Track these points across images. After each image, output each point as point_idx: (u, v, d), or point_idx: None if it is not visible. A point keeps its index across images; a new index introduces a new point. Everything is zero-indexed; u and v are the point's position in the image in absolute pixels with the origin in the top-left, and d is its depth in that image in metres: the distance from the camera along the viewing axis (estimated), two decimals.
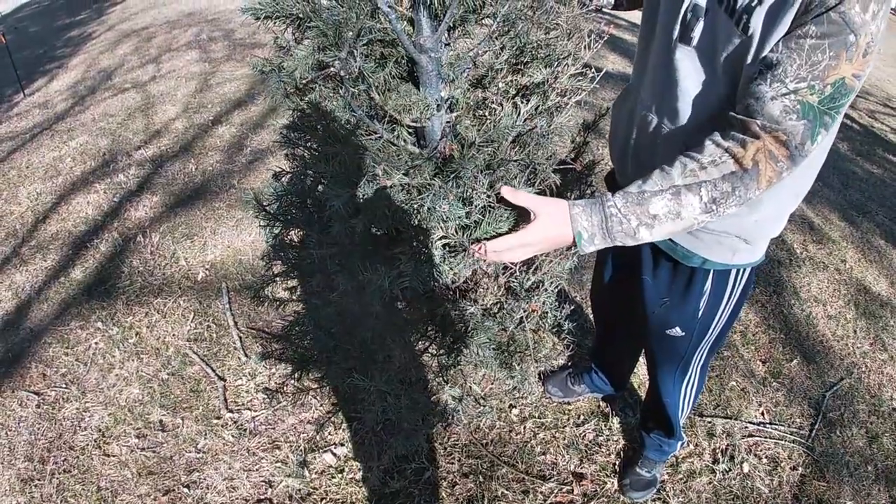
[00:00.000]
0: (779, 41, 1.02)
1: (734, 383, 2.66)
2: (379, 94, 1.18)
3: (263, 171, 4.19)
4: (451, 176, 1.18)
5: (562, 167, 1.36)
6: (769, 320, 3.10)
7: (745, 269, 1.45)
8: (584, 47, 1.26)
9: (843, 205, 4.75)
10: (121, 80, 7.18)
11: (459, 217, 1.18)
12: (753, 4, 1.04)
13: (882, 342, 3.11)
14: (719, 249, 1.37)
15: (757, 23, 1.04)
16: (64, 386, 2.60)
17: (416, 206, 1.20)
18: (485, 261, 1.23)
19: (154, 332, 2.79)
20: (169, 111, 5.69)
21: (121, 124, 5.54)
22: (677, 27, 1.19)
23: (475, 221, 1.19)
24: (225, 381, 2.47)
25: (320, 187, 1.51)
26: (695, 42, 1.17)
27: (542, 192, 1.27)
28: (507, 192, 1.15)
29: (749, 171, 1.04)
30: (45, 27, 13.05)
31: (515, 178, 1.22)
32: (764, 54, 1.04)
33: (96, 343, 2.79)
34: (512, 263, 1.30)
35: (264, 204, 1.67)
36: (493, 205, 1.18)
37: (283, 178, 1.67)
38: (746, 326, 3.02)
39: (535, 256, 1.36)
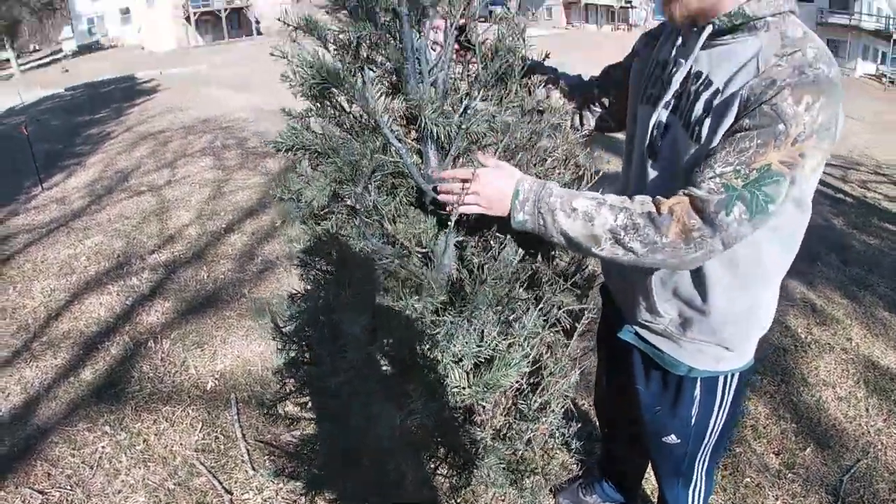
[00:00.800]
0: (721, 139, 1.14)
1: (748, 479, 2.65)
2: (390, 223, 1.35)
3: (274, 282, 4.41)
4: (465, 313, 1.35)
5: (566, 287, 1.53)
6: (779, 410, 3.10)
7: (733, 375, 1.47)
8: (582, 175, 1.45)
9: (844, 281, 4.79)
10: (137, 182, 7.55)
11: (473, 353, 1.34)
12: (703, 116, 1.18)
13: None
14: (703, 357, 1.43)
15: (707, 133, 1.17)
16: (69, 488, 2.66)
17: (428, 340, 1.37)
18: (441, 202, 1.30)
19: (162, 440, 2.88)
20: (183, 217, 5.99)
21: (136, 227, 5.81)
22: (647, 145, 1.33)
23: (487, 358, 1.36)
24: (232, 494, 2.54)
25: (334, 310, 1.68)
26: (660, 155, 1.31)
27: (552, 325, 1.46)
28: (479, 156, 1.28)
29: (663, 215, 1.13)
30: (66, 122, 13.71)
31: (527, 311, 1.40)
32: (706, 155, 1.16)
33: (103, 447, 2.87)
34: (464, 213, 1.31)
35: (280, 325, 1.83)
36: (504, 349, 1.36)
37: (298, 301, 1.81)
38: (756, 419, 3.03)
39: (541, 376, 1.48)
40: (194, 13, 40.14)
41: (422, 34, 1.26)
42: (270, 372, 3.21)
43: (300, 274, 1.64)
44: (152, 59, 31.77)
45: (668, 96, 1.27)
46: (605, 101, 1.60)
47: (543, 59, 1.53)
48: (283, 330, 1.79)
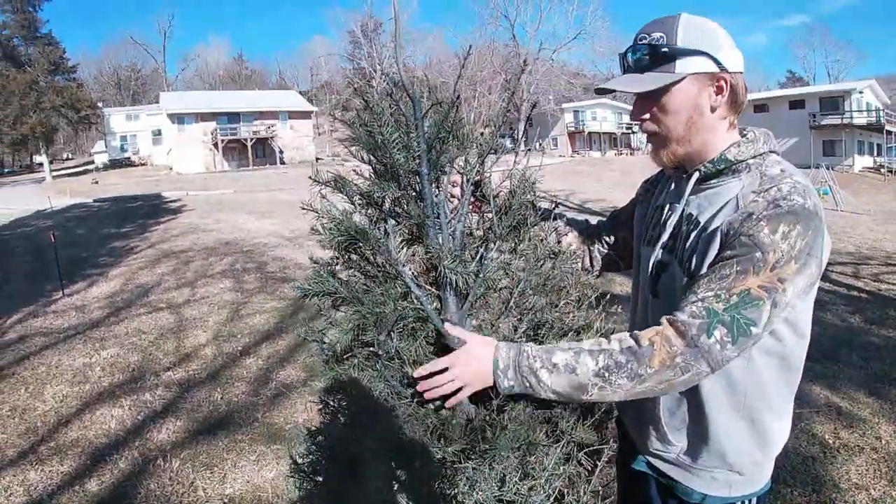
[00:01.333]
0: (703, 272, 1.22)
1: None
2: (411, 367, 1.38)
3: (288, 407, 4.42)
4: (487, 458, 1.44)
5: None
6: None
7: (749, 500, 1.44)
8: (596, 316, 1.50)
9: (867, 379, 4.73)
10: (156, 298, 7.74)
11: (495, 497, 1.41)
12: (692, 252, 1.27)
13: None
14: (715, 484, 1.40)
15: (694, 265, 1.25)
16: None
17: (449, 485, 1.44)
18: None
19: None
20: (200, 336, 6.10)
21: (152, 343, 5.92)
22: (649, 283, 1.41)
23: (509, 502, 1.43)
24: None
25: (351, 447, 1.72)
26: (661, 293, 1.38)
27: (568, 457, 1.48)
28: (448, 327, 1.31)
29: (643, 348, 1.16)
30: (91, 232, 14.19)
31: (547, 453, 1.44)
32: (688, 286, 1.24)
33: None
34: (444, 398, 1.33)
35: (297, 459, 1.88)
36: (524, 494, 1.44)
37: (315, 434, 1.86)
38: None
39: None
40: (222, 140, 42.17)
41: (440, 190, 1.36)
42: (282, 501, 3.23)
43: (319, 409, 1.67)
44: (180, 180, 33.18)
45: (665, 238, 1.38)
46: (613, 242, 1.71)
47: (554, 208, 1.65)
48: (299, 462, 1.83)
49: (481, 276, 1.35)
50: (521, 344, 1.27)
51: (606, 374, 1.18)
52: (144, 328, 6.41)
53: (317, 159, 46.05)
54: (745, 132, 1.35)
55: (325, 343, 1.43)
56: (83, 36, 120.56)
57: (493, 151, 1.45)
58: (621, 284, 7.11)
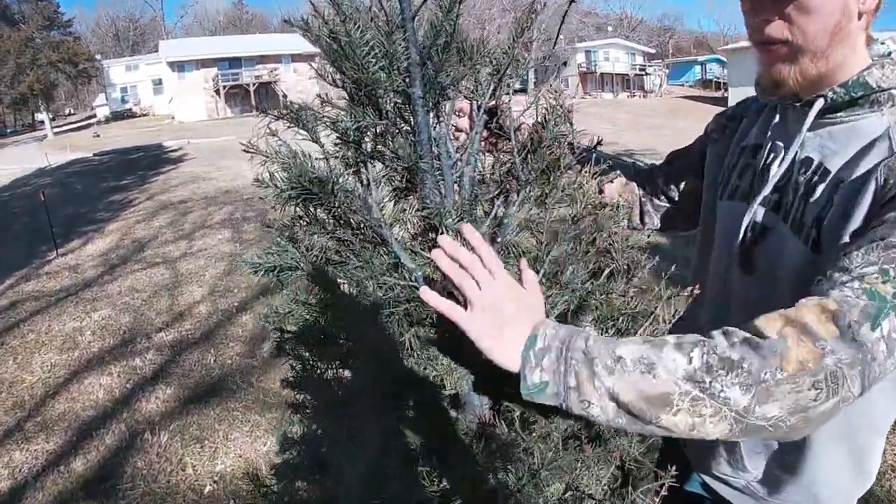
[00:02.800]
0: (853, 237, 0.83)
1: None
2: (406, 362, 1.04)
3: (287, 369, 4.14)
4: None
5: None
6: None
7: None
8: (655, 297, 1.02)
9: None
10: (152, 253, 7.44)
11: None
12: (822, 213, 0.88)
13: None
14: None
15: (831, 240, 0.86)
16: None
17: None
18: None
19: None
20: (195, 293, 5.80)
21: (145, 301, 5.63)
22: (737, 252, 1.03)
23: None
24: None
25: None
26: (759, 268, 1.00)
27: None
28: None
29: (771, 340, 0.72)
30: (90, 187, 13.85)
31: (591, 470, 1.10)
32: (835, 254, 0.82)
33: None
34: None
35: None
36: None
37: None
38: None
39: None
40: (224, 86, 41.36)
41: (440, 121, 0.99)
42: (276, 478, 2.96)
43: (292, 413, 1.35)
44: (182, 128, 32.61)
45: (767, 190, 0.98)
46: (672, 194, 1.30)
47: (596, 146, 1.18)
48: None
49: (499, 239, 0.99)
50: (577, 329, 0.80)
51: (707, 377, 0.70)
52: (138, 286, 6.13)
53: (322, 101, 45.14)
54: (888, 52, 0.95)
55: (286, 332, 1.16)
56: None
57: (515, 66, 1.03)
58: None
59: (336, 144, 1.02)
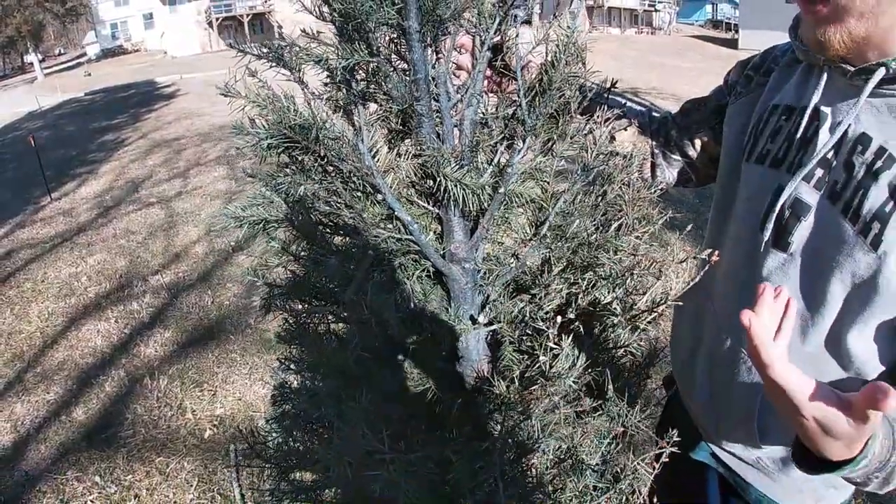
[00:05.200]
0: None
1: None
2: (400, 329, 0.98)
3: (279, 321, 4.07)
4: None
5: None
6: None
7: None
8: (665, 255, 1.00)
9: None
10: (147, 192, 7.31)
11: None
12: (889, 209, 0.79)
13: None
14: (800, 497, 1.09)
15: (892, 230, 0.79)
16: None
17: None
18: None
19: (154, 497, 2.57)
20: (191, 232, 5.71)
21: (140, 244, 5.54)
22: (770, 226, 0.94)
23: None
24: None
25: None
26: (794, 248, 0.92)
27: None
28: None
29: None
30: (82, 128, 13.56)
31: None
32: None
33: (92, 500, 2.59)
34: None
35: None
36: None
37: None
38: None
39: None
40: (217, 18, 40.27)
41: (439, 58, 0.90)
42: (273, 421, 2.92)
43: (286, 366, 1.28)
44: (175, 63, 31.84)
45: (812, 164, 0.87)
46: (686, 149, 1.21)
47: (609, 89, 1.09)
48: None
49: (501, 190, 0.90)
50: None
51: None
52: (133, 227, 6.04)
53: (318, 33, 43.91)
54: None
55: (275, 286, 1.09)
56: None
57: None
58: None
59: (325, 85, 0.93)
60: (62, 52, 61.39)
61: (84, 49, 48.93)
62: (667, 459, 0.94)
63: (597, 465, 0.93)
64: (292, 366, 1.16)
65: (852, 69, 0.82)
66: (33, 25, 40.00)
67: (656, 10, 47.67)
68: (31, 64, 42.16)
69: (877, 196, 0.80)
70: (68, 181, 8.31)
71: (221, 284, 4.53)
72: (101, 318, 4.18)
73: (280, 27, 41.72)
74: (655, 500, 1.00)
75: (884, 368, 0.86)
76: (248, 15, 40.87)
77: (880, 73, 0.79)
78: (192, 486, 2.62)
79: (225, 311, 4.11)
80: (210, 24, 40.35)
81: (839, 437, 0.68)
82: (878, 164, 0.80)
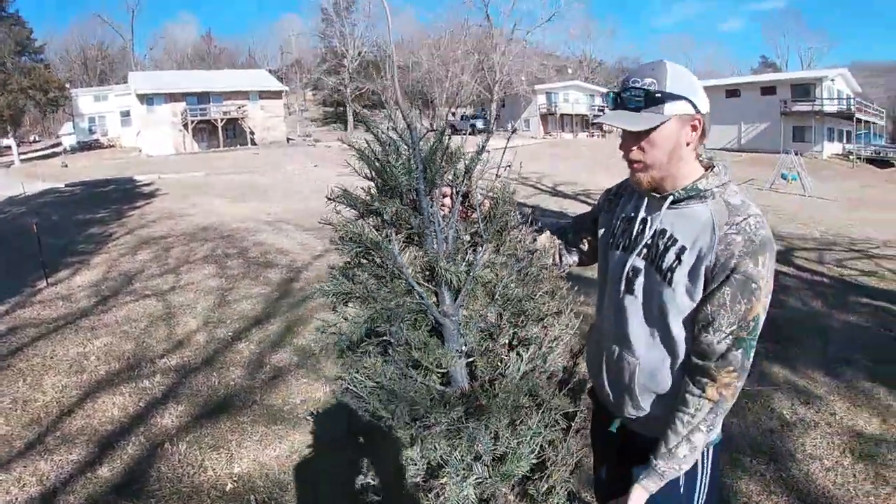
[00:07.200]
0: (706, 301, 1.51)
1: None
2: (416, 351, 1.61)
3: (284, 389, 4.65)
4: (483, 420, 1.68)
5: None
6: (770, 486, 3.33)
7: (709, 448, 1.74)
8: (567, 305, 1.77)
9: (825, 361, 5.10)
10: (141, 286, 7.84)
11: (490, 450, 1.66)
12: (675, 266, 1.55)
13: (883, 477, 3.36)
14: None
15: (678, 278, 1.54)
16: None
17: (455, 442, 1.63)
18: None
19: None
20: (190, 323, 6.26)
21: (143, 331, 6.06)
22: (623, 283, 1.67)
23: (501, 455, 1.68)
24: None
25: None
26: (637, 292, 1.65)
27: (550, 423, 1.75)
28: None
29: (720, 399, 1.54)
30: (65, 218, 14.06)
31: (531, 416, 1.68)
32: (702, 314, 1.52)
33: None
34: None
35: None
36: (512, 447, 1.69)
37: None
38: (749, 497, 3.25)
39: (546, 464, 1.72)
40: (192, 121, 41.53)
41: (433, 201, 1.59)
42: (289, 476, 3.46)
43: (333, 388, 1.93)
44: (150, 162, 32.70)
45: (640, 247, 1.65)
46: (577, 243, 1.98)
47: (531, 214, 1.87)
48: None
49: (471, 274, 1.57)
50: (653, 468, 1.65)
51: (713, 427, 1.58)
52: (134, 316, 6.54)
53: (288, 140, 45.71)
54: (712, 164, 1.63)
55: (342, 334, 1.66)
56: (50, 13, 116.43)
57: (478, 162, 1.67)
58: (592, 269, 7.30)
59: (363, 213, 1.64)
60: (37, 139, 61.80)
61: (59, 139, 49.62)
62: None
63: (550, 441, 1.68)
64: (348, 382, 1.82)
65: (657, 196, 1.62)
66: (15, 111, 40.62)
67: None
68: (8, 148, 42.49)
69: (669, 259, 1.58)
70: (62, 268, 8.79)
71: (225, 368, 5.07)
72: (114, 392, 4.64)
73: (252, 132, 43.37)
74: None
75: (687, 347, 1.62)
76: (222, 119, 42.34)
77: (671, 197, 1.58)
78: None
79: (231, 389, 4.64)
80: (185, 125, 41.56)
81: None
82: (669, 243, 1.59)
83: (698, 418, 1.57)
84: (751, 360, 1.54)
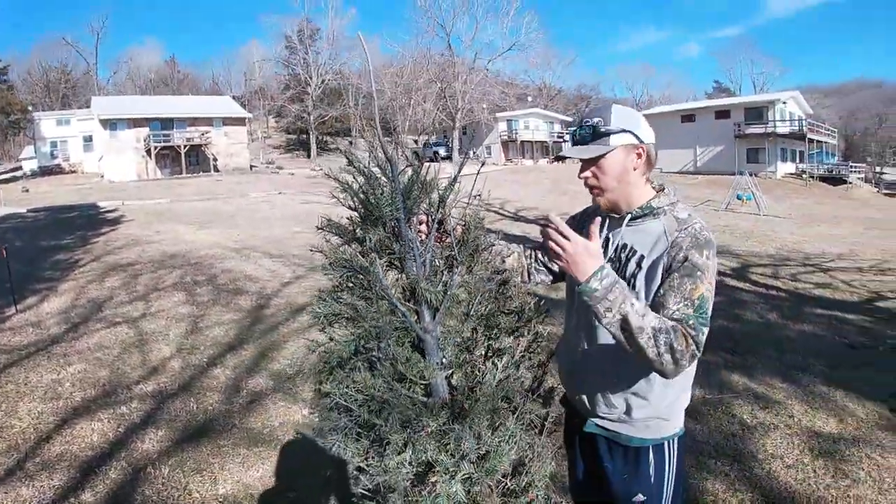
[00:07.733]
0: (660, 288, 1.71)
1: None
2: (402, 367, 1.76)
3: (262, 413, 4.73)
4: (467, 423, 1.79)
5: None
6: (734, 485, 3.54)
7: (673, 440, 1.96)
8: (535, 319, 1.97)
9: (782, 368, 5.40)
10: (111, 312, 7.82)
11: (474, 449, 1.76)
12: (636, 272, 1.79)
13: (843, 471, 3.60)
14: (650, 430, 1.93)
15: (640, 283, 1.77)
16: None
17: (442, 445, 1.75)
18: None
19: None
20: (163, 350, 6.28)
21: (117, 357, 6.07)
22: None
23: (484, 453, 1.83)
24: None
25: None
26: None
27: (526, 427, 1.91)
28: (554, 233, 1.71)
29: (677, 330, 1.62)
30: (30, 244, 13.87)
31: (508, 418, 1.83)
32: (656, 300, 1.71)
33: None
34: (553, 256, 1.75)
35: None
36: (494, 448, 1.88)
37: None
38: (715, 496, 3.44)
39: (524, 462, 1.86)
40: (155, 147, 41.12)
41: (412, 228, 1.77)
42: (274, 495, 3.56)
43: (318, 405, 2.06)
44: (113, 188, 32.27)
45: (605, 260, 1.82)
46: (548, 264, 2.18)
47: (498, 237, 2.07)
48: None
49: (448, 293, 1.75)
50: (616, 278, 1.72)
51: (656, 334, 1.62)
52: (106, 343, 6.54)
53: (251, 167, 45.59)
54: (663, 187, 1.90)
55: (332, 353, 1.81)
56: (13, 34, 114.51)
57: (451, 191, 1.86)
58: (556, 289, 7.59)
59: (347, 240, 1.83)
60: None
61: (20, 163, 48.68)
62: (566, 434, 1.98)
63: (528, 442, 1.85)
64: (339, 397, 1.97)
65: (616, 215, 1.87)
66: None
67: (565, 141, 52.49)
68: None
69: (631, 267, 1.82)
70: (29, 295, 8.69)
71: (202, 393, 5.11)
72: (92, 418, 4.65)
73: (215, 159, 43.18)
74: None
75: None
76: (185, 146, 42.11)
77: (629, 216, 1.84)
78: None
79: (210, 414, 4.70)
80: (148, 151, 41.19)
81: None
82: (630, 254, 1.83)
83: (649, 318, 1.64)
84: (702, 337, 1.65)
